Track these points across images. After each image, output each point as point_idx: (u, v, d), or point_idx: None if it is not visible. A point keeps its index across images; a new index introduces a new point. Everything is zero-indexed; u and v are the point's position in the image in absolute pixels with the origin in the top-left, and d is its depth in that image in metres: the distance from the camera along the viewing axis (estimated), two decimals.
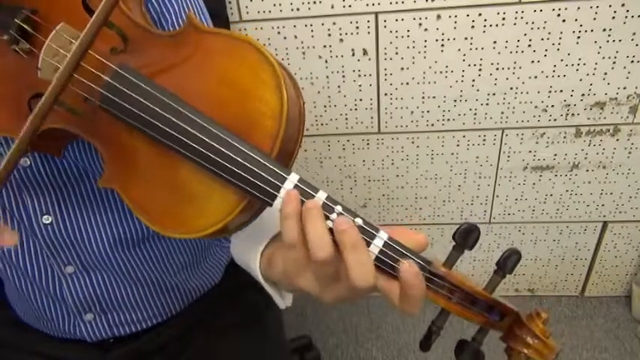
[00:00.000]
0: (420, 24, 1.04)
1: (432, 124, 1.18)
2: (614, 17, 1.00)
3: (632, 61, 1.05)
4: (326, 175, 1.30)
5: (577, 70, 1.07)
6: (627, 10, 0.99)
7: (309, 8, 1.05)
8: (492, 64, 1.08)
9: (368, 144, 1.23)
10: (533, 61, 1.07)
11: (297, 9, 1.05)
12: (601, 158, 1.20)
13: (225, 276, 0.78)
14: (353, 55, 1.10)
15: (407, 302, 0.40)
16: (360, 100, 1.16)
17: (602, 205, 1.28)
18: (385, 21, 1.05)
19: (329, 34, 1.07)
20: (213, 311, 0.75)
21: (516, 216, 1.33)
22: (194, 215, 0.42)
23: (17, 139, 0.40)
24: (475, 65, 1.09)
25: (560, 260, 1.41)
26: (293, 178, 0.39)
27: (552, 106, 1.13)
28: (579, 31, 1.03)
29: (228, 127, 0.40)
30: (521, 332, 0.44)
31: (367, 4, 1.03)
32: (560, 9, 1.00)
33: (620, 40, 1.03)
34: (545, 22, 1.02)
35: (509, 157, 1.22)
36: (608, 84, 1.09)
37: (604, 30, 1.02)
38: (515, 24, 1.03)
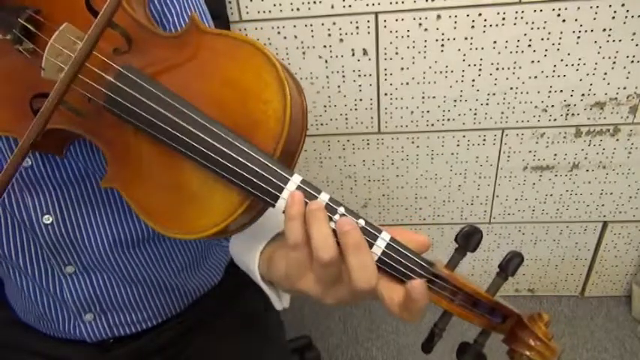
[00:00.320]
0: (420, 24, 1.04)
1: (432, 124, 1.18)
2: (614, 17, 1.00)
3: (632, 61, 1.05)
4: (326, 175, 1.30)
5: (577, 70, 1.07)
6: (627, 10, 0.99)
7: (309, 8, 1.05)
8: (492, 64, 1.08)
9: (368, 144, 1.23)
10: (533, 61, 1.07)
11: (297, 9, 1.05)
12: (601, 158, 1.20)
13: (225, 276, 0.78)
14: (353, 55, 1.10)
15: (408, 313, 0.40)
16: (360, 100, 1.16)
17: (602, 205, 1.28)
18: (385, 21, 1.05)
19: (329, 34, 1.07)
20: (213, 312, 0.75)
21: (516, 216, 1.33)
22: (196, 215, 0.42)
23: (22, 140, 0.39)
24: (475, 65, 1.09)
25: (560, 260, 1.41)
26: (296, 180, 0.39)
27: (552, 106, 1.13)
28: (579, 31, 1.03)
29: (231, 128, 0.40)
30: (524, 334, 0.44)
31: (367, 4, 1.03)
32: (560, 9, 1.00)
33: (620, 40, 1.03)
34: (545, 22, 1.02)
35: (509, 157, 1.22)
36: (608, 84, 1.09)
37: (604, 30, 1.02)
38: (515, 24, 1.03)
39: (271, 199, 0.40)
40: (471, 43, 1.06)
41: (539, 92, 1.11)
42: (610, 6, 0.99)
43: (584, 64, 1.07)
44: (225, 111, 0.41)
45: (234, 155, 0.39)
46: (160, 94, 0.41)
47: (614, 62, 1.06)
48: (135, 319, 0.67)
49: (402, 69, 1.10)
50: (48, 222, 0.57)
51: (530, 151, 1.21)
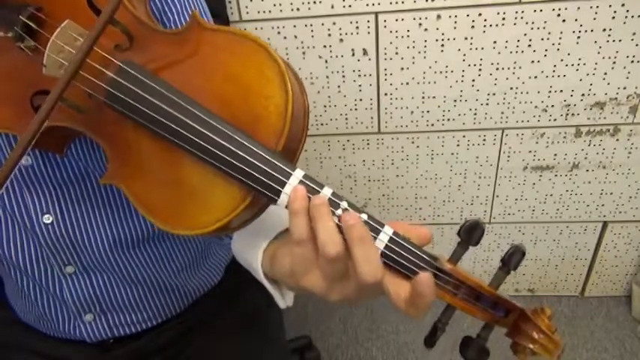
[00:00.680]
0: (420, 24, 1.04)
1: (432, 124, 1.18)
2: (614, 17, 1.00)
3: (632, 61, 1.05)
4: (326, 175, 1.30)
5: (577, 70, 1.07)
6: (627, 10, 0.99)
7: (309, 8, 1.05)
8: (492, 64, 1.08)
9: (368, 144, 1.23)
10: (533, 61, 1.07)
11: (297, 9, 1.05)
12: (601, 158, 1.20)
13: (225, 276, 0.78)
14: (353, 55, 1.10)
15: (415, 309, 0.40)
16: (360, 100, 1.16)
17: (602, 205, 1.28)
18: (385, 21, 1.05)
19: (329, 34, 1.07)
20: (213, 312, 0.75)
21: (516, 216, 1.33)
22: (198, 211, 0.42)
23: (22, 136, 0.39)
24: (475, 65, 1.09)
25: (560, 260, 1.41)
26: (298, 174, 0.39)
27: (552, 106, 1.13)
28: (579, 31, 1.03)
29: (233, 124, 0.40)
30: (527, 327, 0.44)
31: (367, 4, 1.03)
32: (560, 9, 1.00)
33: (620, 40, 1.03)
34: (545, 22, 1.02)
35: (509, 157, 1.22)
36: (608, 84, 1.09)
37: (604, 30, 1.02)
38: (515, 24, 1.03)
39: (274, 194, 0.40)
40: (471, 43, 1.06)
41: (539, 92, 1.11)
42: (610, 6, 0.99)
43: (584, 64, 1.07)
44: (226, 107, 0.41)
45: (236, 150, 0.39)
46: (161, 89, 0.41)
47: (614, 62, 1.06)
48: (135, 319, 0.67)
49: (402, 69, 1.10)
50: (48, 222, 0.57)
51: (530, 151, 1.21)
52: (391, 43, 1.07)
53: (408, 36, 1.06)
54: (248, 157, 0.39)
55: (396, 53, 1.08)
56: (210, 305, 0.75)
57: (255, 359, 0.74)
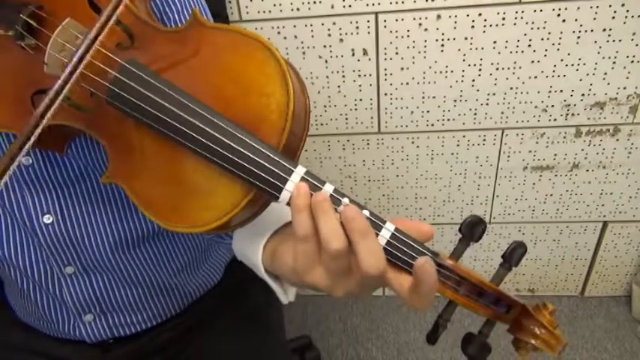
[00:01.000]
0: (420, 24, 1.04)
1: (432, 124, 1.18)
2: (614, 17, 1.00)
3: (632, 61, 1.05)
4: (326, 175, 1.30)
5: (577, 70, 1.07)
6: (627, 10, 0.99)
7: (309, 8, 1.05)
8: (492, 64, 1.08)
9: (368, 144, 1.23)
10: (533, 61, 1.07)
11: (297, 9, 1.05)
12: (601, 158, 1.20)
13: (225, 276, 0.78)
14: (353, 55, 1.10)
15: (418, 297, 0.40)
16: (360, 100, 1.16)
17: (602, 205, 1.28)
18: (385, 21, 1.05)
19: (329, 34, 1.07)
20: (213, 311, 0.75)
21: (516, 216, 1.33)
22: (199, 209, 0.42)
23: (22, 134, 0.40)
24: (475, 65, 1.09)
25: (560, 260, 1.41)
26: (299, 171, 0.40)
27: (552, 106, 1.13)
28: (579, 31, 1.03)
29: (234, 121, 0.40)
30: (529, 323, 0.44)
31: (367, 4, 1.03)
32: (560, 9, 1.00)
33: (620, 40, 1.03)
34: (545, 22, 1.02)
35: (509, 157, 1.22)
36: (608, 84, 1.09)
37: (604, 30, 1.02)
38: (515, 24, 1.03)
39: (275, 191, 0.40)
40: (471, 43, 1.06)
41: (539, 92, 1.11)
42: (610, 6, 0.99)
43: (584, 64, 1.07)
44: (227, 104, 0.41)
45: (237, 147, 0.39)
46: (163, 87, 0.41)
47: (614, 62, 1.06)
48: (135, 319, 0.67)
49: (402, 69, 1.10)
50: (48, 222, 0.56)
51: (530, 151, 1.21)
52: (391, 43, 1.07)
53: (408, 36, 1.06)
54: (250, 155, 0.39)
55: (396, 53, 1.08)
56: (210, 305, 0.75)
57: (255, 359, 0.74)
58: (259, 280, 0.52)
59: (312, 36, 1.08)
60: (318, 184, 0.40)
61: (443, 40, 1.06)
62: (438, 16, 1.03)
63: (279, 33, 1.09)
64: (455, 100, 1.14)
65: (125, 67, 0.42)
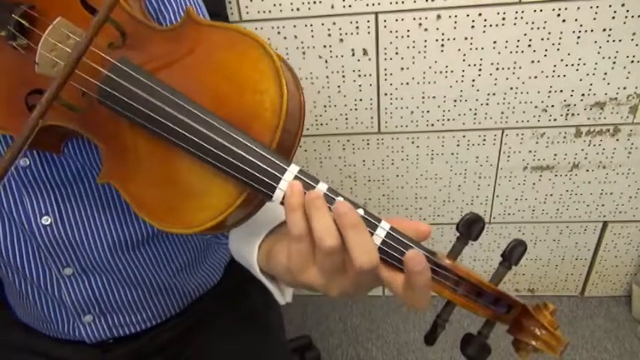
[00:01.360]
0: (420, 24, 1.04)
1: (432, 124, 1.18)
2: (614, 17, 1.00)
3: (632, 61, 1.05)
4: (326, 175, 1.30)
5: (577, 70, 1.07)
6: (627, 10, 0.99)
7: (309, 8, 1.05)
8: (492, 64, 1.08)
9: (368, 144, 1.23)
10: (533, 61, 1.07)
11: (297, 9, 1.05)
12: (601, 158, 1.20)
13: (224, 276, 0.78)
14: (353, 55, 1.10)
15: (412, 293, 0.39)
16: (360, 100, 1.16)
17: (602, 205, 1.28)
18: (385, 21, 1.05)
19: (329, 34, 1.07)
20: (213, 311, 0.75)
21: (516, 216, 1.33)
22: (193, 209, 0.42)
23: (19, 136, 0.39)
24: (475, 65, 1.08)
25: (560, 260, 1.41)
26: (293, 170, 0.39)
27: (552, 106, 1.13)
28: (579, 31, 1.03)
29: (228, 120, 0.40)
30: (529, 323, 0.43)
31: (367, 4, 1.03)
32: (560, 9, 1.00)
33: (620, 40, 1.03)
34: (545, 22, 1.02)
35: (509, 157, 1.22)
36: (608, 84, 1.09)
37: (604, 30, 1.02)
38: (515, 24, 1.03)
39: (269, 190, 0.39)
40: (471, 43, 1.06)
41: (539, 92, 1.11)
42: (610, 6, 0.99)
43: (584, 64, 1.06)
44: (221, 102, 0.41)
45: (230, 146, 0.39)
46: (155, 86, 0.41)
47: (614, 62, 1.06)
48: (134, 320, 0.67)
49: (402, 69, 1.10)
50: (47, 223, 0.56)
51: (530, 151, 1.20)
52: (391, 43, 1.07)
53: (408, 36, 1.06)
54: (242, 154, 0.39)
55: (396, 53, 1.08)
56: (209, 305, 0.75)
57: (255, 359, 0.74)
58: (259, 280, 0.52)
59: (312, 36, 1.08)
60: (312, 183, 0.39)
61: (443, 40, 1.06)
62: (438, 16, 1.03)
63: (279, 33, 1.08)
64: (455, 100, 1.14)
65: (117, 66, 0.41)
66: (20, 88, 0.45)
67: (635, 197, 1.26)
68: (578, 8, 1.00)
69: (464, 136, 1.19)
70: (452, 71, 1.10)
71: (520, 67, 1.08)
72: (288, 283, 0.48)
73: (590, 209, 1.29)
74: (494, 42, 1.05)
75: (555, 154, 1.20)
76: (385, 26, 1.05)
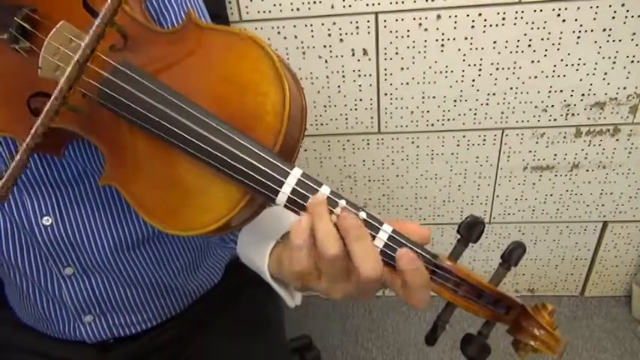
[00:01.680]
0: (420, 24, 1.04)
1: (432, 124, 1.18)
2: (614, 17, 1.00)
3: (632, 61, 1.05)
4: (326, 175, 1.30)
5: (577, 70, 1.07)
6: (627, 10, 0.99)
7: (309, 8, 1.05)
8: (492, 64, 1.08)
9: (368, 144, 1.23)
10: (533, 61, 1.07)
11: (297, 9, 1.05)
12: (601, 158, 1.20)
13: (225, 276, 0.78)
14: (353, 55, 1.10)
15: (409, 292, 0.40)
16: (360, 100, 1.16)
17: (602, 205, 1.28)
18: (385, 21, 1.05)
19: (329, 34, 1.07)
20: (213, 312, 0.75)
21: (516, 216, 1.33)
22: (195, 212, 0.42)
23: (26, 141, 0.39)
24: (475, 65, 1.08)
25: (560, 260, 1.41)
26: (296, 173, 0.39)
27: (552, 106, 1.13)
28: (579, 31, 1.03)
29: (230, 122, 0.40)
30: (528, 324, 0.43)
31: (367, 4, 1.03)
32: (560, 9, 1.00)
33: (620, 40, 1.03)
34: (545, 22, 1.02)
35: (509, 157, 1.22)
36: (608, 84, 1.09)
37: (604, 30, 1.02)
38: (515, 24, 1.03)
39: (272, 193, 0.39)
40: (471, 43, 1.06)
41: (539, 92, 1.11)
42: (610, 6, 0.99)
43: (584, 64, 1.06)
44: (223, 105, 0.41)
45: (232, 149, 0.39)
46: (156, 89, 0.41)
47: (614, 62, 1.06)
48: (134, 320, 0.67)
49: (402, 69, 1.10)
50: (47, 223, 0.56)
51: (530, 151, 1.20)
52: (391, 43, 1.07)
53: (408, 36, 1.06)
54: (245, 157, 0.39)
55: (396, 53, 1.08)
56: (210, 305, 0.75)
57: (255, 359, 0.74)
58: (259, 280, 0.52)
59: (312, 36, 1.08)
60: (315, 186, 0.39)
61: (443, 40, 1.06)
62: (438, 16, 1.03)
63: (279, 33, 1.08)
64: (455, 100, 1.14)
65: (117, 68, 0.42)
66: (22, 90, 0.45)
67: (635, 197, 1.26)
68: (578, 8, 1.00)
69: (464, 136, 1.19)
70: (452, 71, 1.10)
71: (520, 67, 1.08)
72: (298, 288, 0.48)
73: (590, 209, 1.29)
74: (494, 42, 1.05)
75: (555, 154, 1.20)
76: (385, 26, 1.05)
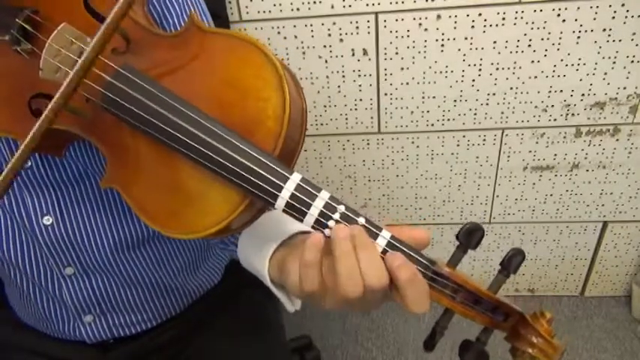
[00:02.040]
0: (420, 24, 1.04)
1: (432, 124, 1.18)
2: (614, 17, 1.00)
3: (632, 61, 1.05)
4: (326, 175, 1.30)
5: (577, 70, 1.07)
6: (627, 10, 0.99)
7: (309, 8, 1.05)
8: (492, 64, 1.08)
9: (368, 144, 1.23)
10: (533, 61, 1.07)
11: (297, 9, 1.05)
12: (601, 158, 1.20)
13: (225, 276, 0.78)
14: (353, 55, 1.10)
15: (401, 296, 0.39)
16: (360, 100, 1.16)
17: (602, 205, 1.28)
18: (385, 21, 1.05)
19: (329, 34, 1.07)
20: (213, 312, 0.75)
21: (516, 216, 1.33)
22: (195, 215, 0.42)
23: (25, 141, 0.39)
24: (475, 65, 1.08)
25: (560, 260, 1.41)
26: (295, 178, 0.39)
27: (552, 106, 1.13)
28: (579, 31, 1.03)
29: (230, 127, 0.40)
30: (526, 332, 0.44)
31: (367, 4, 1.03)
32: (560, 9, 1.00)
33: (620, 40, 1.03)
34: (545, 22, 1.02)
35: (509, 157, 1.22)
36: (608, 84, 1.09)
37: (604, 30, 1.02)
38: (515, 24, 1.03)
39: (271, 198, 0.40)
40: (471, 43, 1.06)
41: (539, 92, 1.11)
42: (610, 6, 0.99)
43: (584, 64, 1.06)
44: (223, 109, 0.41)
45: (232, 154, 0.39)
46: (158, 92, 0.41)
47: (614, 62, 1.06)
48: (135, 320, 0.67)
49: (402, 69, 1.10)
50: (48, 223, 0.57)
51: (530, 151, 1.21)
52: (391, 43, 1.07)
53: (408, 36, 1.06)
54: (245, 161, 0.39)
55: (396, 53, 1.08)
56: (210, 305, 0.75)
57: (255, 359, 0.74)
58: (259, 280, 0.52)
59: (312, 36, 1.08)
60: (314, 192, 0.40)
61: (443, 40, 1.06)
62: (438, 16, 1.03)
63: (279, 33, 1.08)
64: (455, 100, 1.14)
65: (120, 72, 0.42)
66: (23, 91, 0.45)
67: (635, 197, 1.26)
68: (578, 8, 1.00)
69: (464, 136, 1.19)
70: (452, 71, 1.10)
71: (520, 67, 1.08)
72: (297, 295, 0.48)
73: (590, 209, 1.29)
74: (494, 42, 1.05)
75: (555, 154, 1.20)
76: (385, 26, 1.05)
